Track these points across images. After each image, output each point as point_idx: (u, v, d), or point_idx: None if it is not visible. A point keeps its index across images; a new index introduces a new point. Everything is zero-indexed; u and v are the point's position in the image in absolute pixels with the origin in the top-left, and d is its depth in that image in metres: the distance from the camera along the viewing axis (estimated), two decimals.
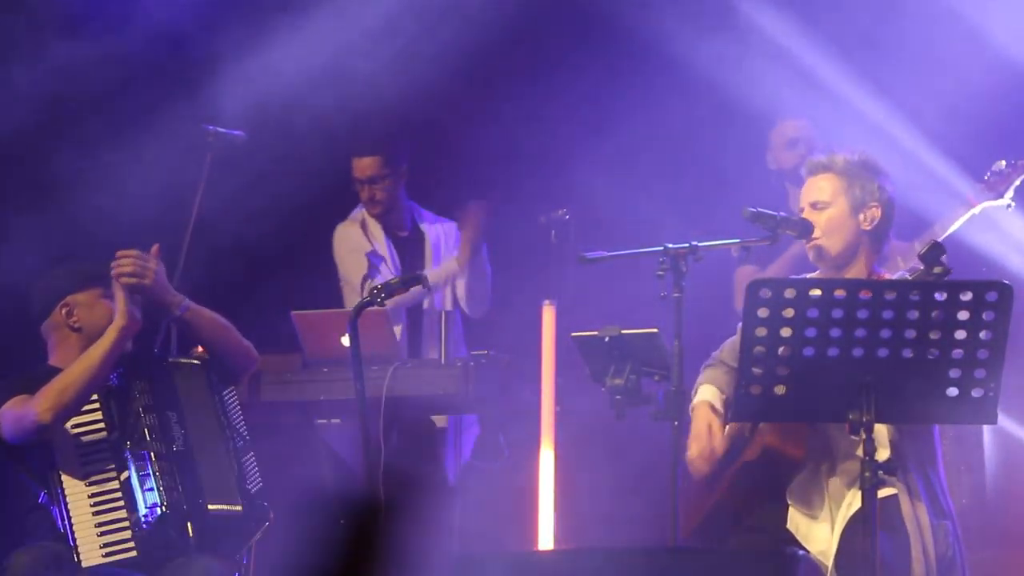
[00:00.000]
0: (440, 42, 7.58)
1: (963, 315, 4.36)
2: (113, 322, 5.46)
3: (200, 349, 5.89)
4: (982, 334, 4.37)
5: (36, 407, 5.35)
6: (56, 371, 5.50)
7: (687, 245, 4.92)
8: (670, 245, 4.92)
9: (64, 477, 5.45)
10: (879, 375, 4.41)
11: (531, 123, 7.96)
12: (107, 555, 5.41)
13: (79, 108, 7.34)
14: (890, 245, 5.19)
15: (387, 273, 7.30)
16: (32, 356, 5.69)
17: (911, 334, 4.38)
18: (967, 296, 4.36)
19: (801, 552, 4.86)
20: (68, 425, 5.47)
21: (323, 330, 6.82)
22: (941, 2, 7.29)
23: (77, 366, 5.42)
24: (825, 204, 5.07)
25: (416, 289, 6.06)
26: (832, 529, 4.93)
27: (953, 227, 6.57)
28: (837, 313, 4.37)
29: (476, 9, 7.54)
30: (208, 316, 5.63)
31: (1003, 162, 6.58)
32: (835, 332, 4.39)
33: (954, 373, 4.41)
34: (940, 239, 6.32)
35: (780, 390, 4.47)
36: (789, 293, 4.38)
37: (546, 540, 6.06)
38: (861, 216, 5.05)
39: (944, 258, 4.59)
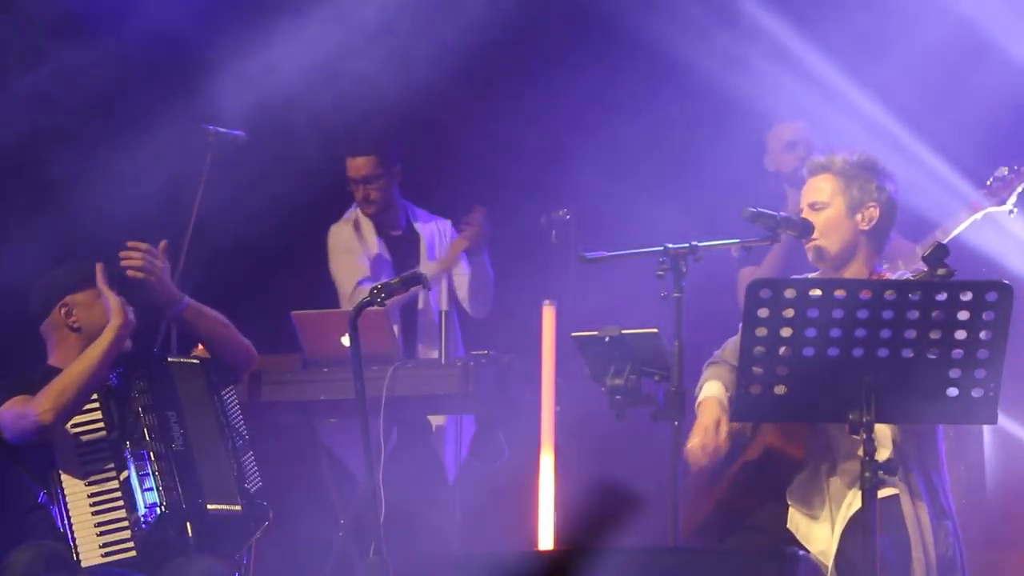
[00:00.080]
0: (440, 42, 7.59)
1: (963, 315, 4.36)
2: (110, 322, 5.46)
3: (200, 348, 5.89)
4: (982, 334, 4.37)
5: (37, 407, 5.36)
6: (55, 371, 5.50)
7: (687, 245, 4.92)
8: (670, 245, 4.92)
9: (64, 477, 5.45)
10: (879, 375, 4.41)
11: (531, 123, 7.96)
12: (106, 555, 5.40)
13: (78, 109, 7.34)
14: (891, 245, 5.19)
15: (384, 274, 7.31)
16: (32, 356, 5.69)
17: (911, 334, 4.38)
18: (967, 296, 4.36)
19: (801, 552, 4.86)
20: (68, 425, 5.47)
21: (323, 330, 6.82)
22: (941, 3, 7.29)
23: (76, 366, 5.42)
24: (823, 205, 5.07)
25: (415, 288, 6.05)
26: (832, 529, 4.93)
27: (955, 232, 6.57)
28: (837, 313, 4.37)
29: (476, 9, 7.54)
30: (208, 314, 5.64)
31: (1005, 168, 6.59)
32: (835, 332, 4.39)
33: (954, 373, 4.41)
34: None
35: (780, 390, 4.47)
36: (789, 293, 4.38)
37: (546, 540, 6.05)
38: (859, 216, 5.05)
39: (948, 260, 4.59)
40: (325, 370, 6.78)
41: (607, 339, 4.96)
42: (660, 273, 4.90)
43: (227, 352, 5.67)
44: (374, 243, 7.42)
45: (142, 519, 5.41)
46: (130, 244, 5.52)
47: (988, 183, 6.64)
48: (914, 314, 4.36)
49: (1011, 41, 7.30)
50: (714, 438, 5.00)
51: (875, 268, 5.07)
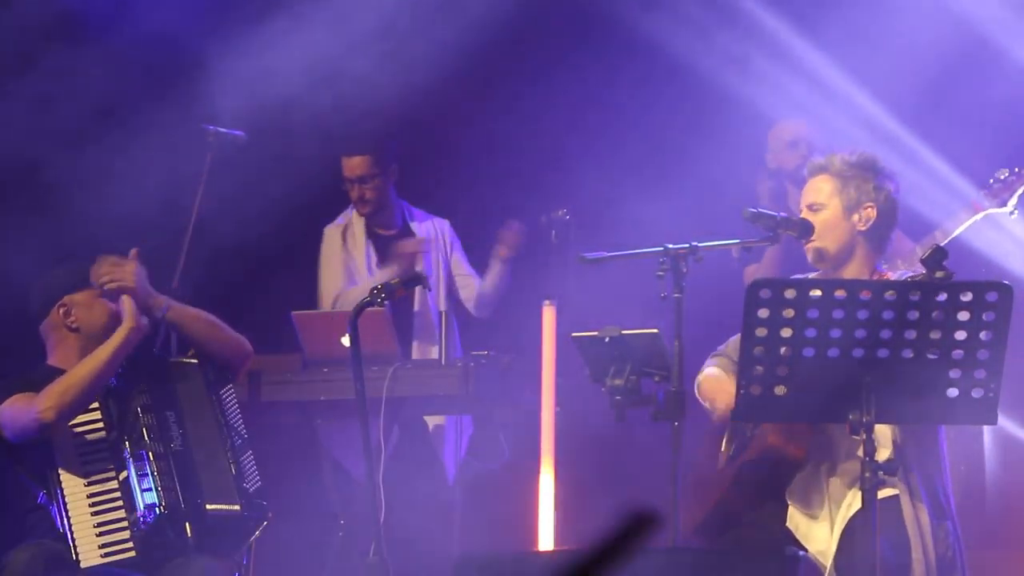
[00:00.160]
0: (440, 42, 7.58)
1: (963, 316, 4.36)
2: (121, 324, 5.47)
3: None
4: (982, 335, 4.37)
5: (39, 405, 5.36)
6: (55, 371, 5.50)
7: (687, 245, 4.92)
8: (670, 245, 4.91)
9: (63, 477, 5.45)
10: (879, 375, 4.41)
11: (531, 123, 7.96)
12: (106, 555, 5.40)
13: (77, 110, 7.33)
14: (892, 244, 5.18)
15: (358, 281, 7.32)
16: (33, 356, 5.69)
17: (911, 334, 4.38)
18: (967, 297, 4.36)
19: (801, 552, 4.86)
20: (68, 424, 5.46)
21: (323, 330, 6.82)
22: (942, 2, 7.29)
23: (82, 366, 5.42)
24: (821, 206, 5.08)
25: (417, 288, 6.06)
26: (832, 529, 4.93)
27: (955, 232, 6.57)
28: (837, 313, 4.37)
29: (476, 9, 7.54)
30: (192, 315, 5.63)
31: (1006, 171, 6.59)
32: (835, 332, 4.39)
33: (954, 373, 4.41)
34: (942, 244, 6.34)
35: (780, 390, 4.46)
36: (789, 293, 4.38)
37: (546, 540, 6.05)
38: (855, 217, 5.05)
39: (946, 262, 4.59)
40: (325, 370, 6.78)
41: (607, 339, 4.96)
42: (660, 273, 4.90)
43: (218, 352, 5.67)
44: (362, 249, 7.41)
45: (141, 519, 5.41)
46: (98, 259, 5.54)
47: (990, 182, 6.64)
48: (914, 314, 4.36)
49: (1012, 41, 7.30)
50: (730, 390, 4.93)
51: (876, 268, 5.07)
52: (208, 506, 5.46)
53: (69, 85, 7.31)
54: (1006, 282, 4.39)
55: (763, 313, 4.39)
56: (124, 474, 5.47)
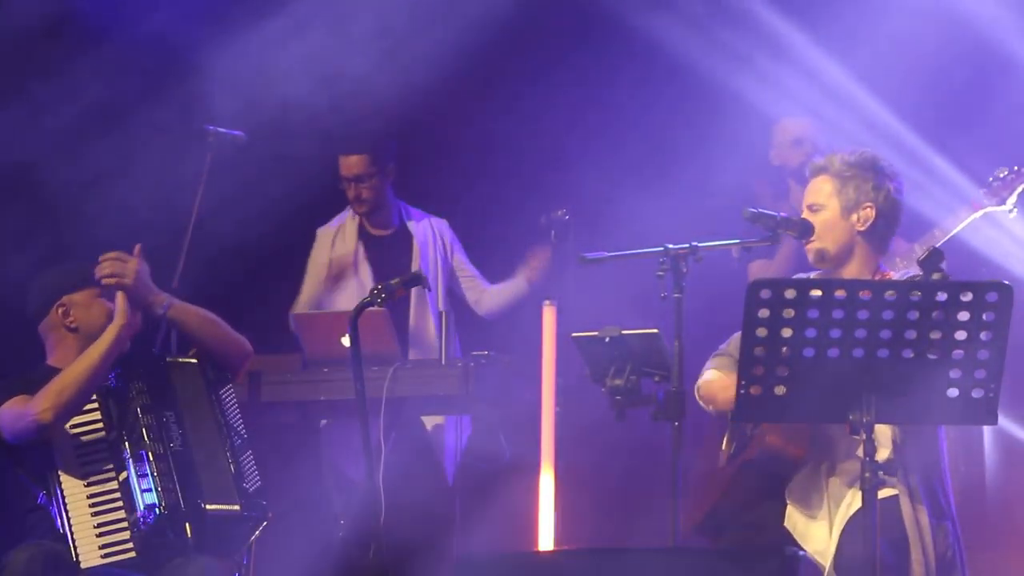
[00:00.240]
0: (440, 42, 7.58)
1: (963, 316, 4.36)
2: (112, 322, 5.47)
3: None
4: (982, 335, 4.37)
5: (36, 407, 5.36)
6: (54, 371, 5.50)
7: (687, 246, 4.92)
8: (670, 246, 4.92)
9: (63, 477, 5.45)
10: (879, 376, 4.41)
11: (531, 123, 7.96)
12: (106, 556, 5.40)
13: (75, 111, 7.34)
14: (894, 244, 5.19)
15: (345, 286, 7.32)
16: (34, 357, 5.69)
17: (911, 334, 4.38)
18: (967, 297, 4.35)
19: (801, 552, 4.86)
20: (67, 425, 5.46)
21: (323, 330, 6.82)
22: (943, 2, 7.29)
23: (76, 366, 5.42)
24: (820, 206, 5.08)
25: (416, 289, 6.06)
26: (831, 529, 4.93)
27: (954, 231, 6.57)
28: (837, 314, 4.37)
29: (475, 9, 7.54)
30: (193, 312, 5.63)
31: (1005, 169, 6.59)
32: (835, 333, 4.39)
33: (954, 374, 4.41)
34: (941, 242, 6.35)
35: (780, 390, 4.46)
36: (789, 294, 4.38)
37: (546, 540, 6.06)
38: (854, 217, 5.05)
39: (943, 264, 4.59)
40: (325, 370, 6.78)
41: (607, 339, 4.96)
42: (660, 273, 4.90)
43: (219, 350, 5.67)
44: (351, 250, 7.40)
45: (141, 520, 5.41)
46: (101, 256, 5.54)
47: (989, 180, 6.64)
48: (914, 314, 4.36)
49: (1012, 40, 7.30)
50: (731, 384, 4.94)
51: (878, 267, 5.07)
52: (208, 506, 5.46)
53: (68, 86, 7.31)
54: (1006, 282, 4.39)
55: (763, 313, 4.39)
56: (124, 474, 5.47)
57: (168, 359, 5.73)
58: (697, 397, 5.14)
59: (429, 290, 7.04)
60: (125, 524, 5.43)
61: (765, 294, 4.38)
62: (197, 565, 5.35)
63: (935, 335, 4.38)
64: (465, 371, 6.66)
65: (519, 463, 6.87)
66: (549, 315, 6.20)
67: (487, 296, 7.45)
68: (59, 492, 5.43)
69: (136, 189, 7.26)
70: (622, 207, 7.63)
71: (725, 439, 5.25)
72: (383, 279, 6.94)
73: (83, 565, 5.37)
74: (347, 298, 7.30)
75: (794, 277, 5.03)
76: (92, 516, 5.43)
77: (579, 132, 8.01)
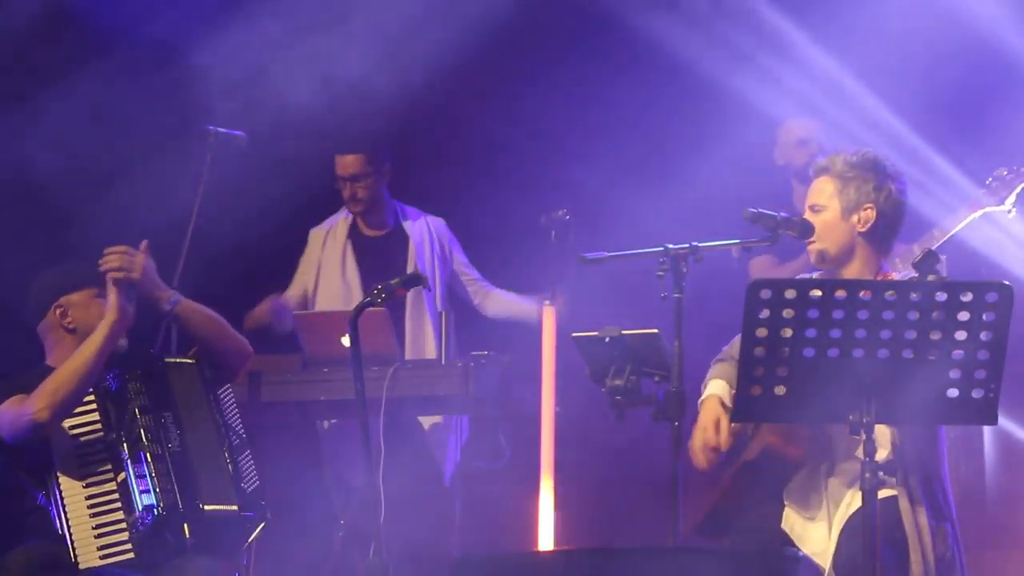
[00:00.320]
0: (440, 42, 7.58)
1: (963, 316, 4.36)
2: (104, 317, 5.46)
3: None
4: (982, 335, 4.37)
5: (32, 406, 5.35)
6: (52, 371, 5.49)
7: (687, 246, 4.92)
8: (670, 246, 4.91)
9: (61, 478, 5.44)
10: (879, 376, 4.41)
11: (531, 123, 7.96)
12: (104, 557, 5.39)
13: (76, 112, 7.34)
14: (896, 245, 5.18)
15: (329, 287, 7.32)
16: (35, 358, 5.69)
17: (911, 335, 4.38)
18: (967, 297, 4.36)
19: (800, 553, 4.86)
20: (66, 426, 5.46)
21: (323, 330, 6.81)
22: (943, 2, 7.29)
23: (70, 363, 5.42)
24: (821, 207, 5.07)
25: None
26: (830, 530, 4.93)
27: (953, 231, 6.58)
28: (838, 314, 4.37)
29: (475, 9, 7.54)
30: (199, 311, 5.63)
31: (1005, 169, 6.59)
32: (835, 333, 4.39)
33: (954, 374, 4.41)
34: (940, 242, 6.35)
35: (780, 390, 4.46)
36: (789, 294, 4.38)
37: (546, 540, 6.06)
38: (855, 218, 5.05)
39: (939, 266, 4.60)
40: (325, 370, 6.78)
41: (607, 339, 4.96)
42: (660, 273, 4.90)
43: (221, 349, 5.67)
44: (339, 251, 7.39)
45: (139, 521, 5.40)
46: (107, 249, 5.53)
47: (988, 182, 6.64)
48: (914, 315, 4.36)
49: (1012, 39, 7.30)
50: (714, 436, 5.00)
51: (879, 268, 5.07)
52: (206, 507, 5.45)
53: (67, 87, 7.31)
54: (1006, 282, 4.39)
55: (763, 313, 4.39)
56: (122, 475, 5.46)
57: (166, 360, 5.72)
58: (699, 407, 5.13)
59: (429, 290, 7.03)
60: (124, 525, 5.43)
61: (765, 294, 4.39)
62: (196, 566, 5.35)
63: (935, 335, 4.38)
64: (465, 371, 6.66)
65: (519, 463, 6.87)
66: (549, 315, 6.20)
67: (493, 301, 7.42)
68: (58, 493, 5.43)
69: (136, 189, 7.25)
70: (622, 207, 7.63)
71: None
72: (371, 281, 6.98)
73: (82, 566, 5.36)
74: (330, 299, 7.30)
75: (795, 277, 5.03)
76: (91, 517, 5.43)
77: (579, 132, 8.01)
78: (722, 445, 5.01)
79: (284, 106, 7.38)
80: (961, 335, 4.37)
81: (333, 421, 7.13)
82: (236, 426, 5.63)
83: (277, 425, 6.95)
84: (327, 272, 7.38)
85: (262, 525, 5.58)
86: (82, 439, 5.49)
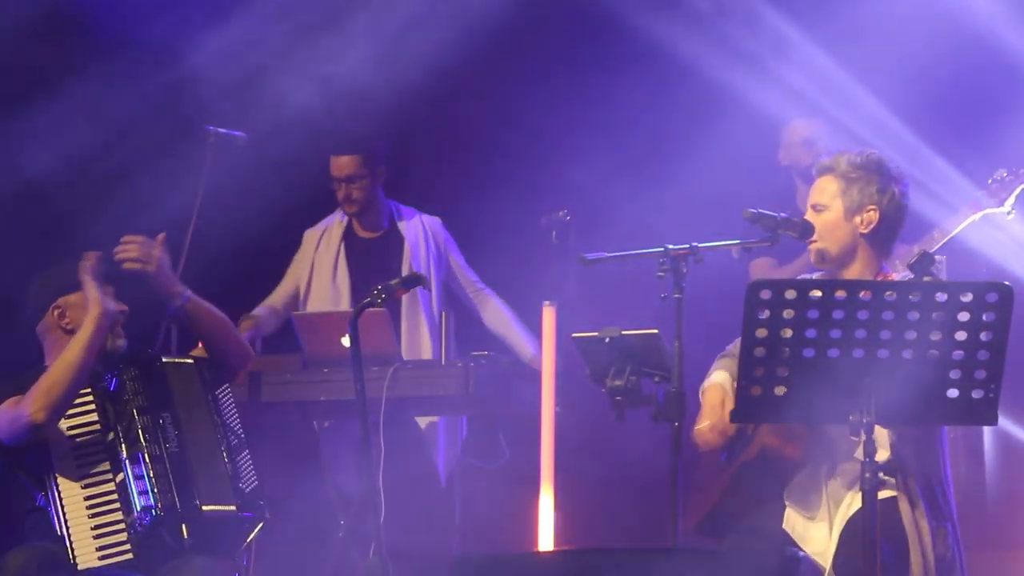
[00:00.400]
0: (439, 41, 7.58)
1: (963, 316, 4.36)
2: (88, 313, 5.45)
3: (199, 347, 5.89)
4: (982, 335, 4.37)
5: (28, 408, 5.35)
6: None
7: (688, 246, 4.92)
8: (671, 246, 4.91)
9: (60, 479, 5.44)
10: (879, 376, 4.41)
11: (531, 123, 7.96)
12: (103, 558, 5.40)
13: (72, 113, 7.34)
14: (896, 247, 5.18)
15: (320, 289, 7.32)
16: (35, 359, 5.69)
17: (911, 335, 4.38)
18: (967, 297, 4.36)
19: (801, 553, 4.86)
20: (64, 427, 5.46)
21: (323, 330, 6.81)
22: (944, 2, 7.29)
23: (60, 362, 5.41)
24: (824, 207, 5.07)
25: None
26: (830, 530, 4.93)
27: (953, 232, 6.58)
28: (838, 314, 4.38)
29: (476, 9, 7.54)
30: (210, 309, 5.65)
31: (1004, 171, 6.60)
32: (835, 333, 4.39)
33: (954, 374, 4.41)
34: (940, 244, 6.35)
35: (780, 391, 4.46)
36: (789, 294, 4.38)
37: (546, 540, 6.06)
38: (857, 219, 5.04)
39: (934, 268, 4.60)
40: (325, 370, 6.78)
41: (607, 340, 4.96)
42: (660, 274, 4.90)
43: (225, 349, 5.68)
44: (333, 253, 7.38)
45: (137, 522, 5.40)
46: (124, 237, 5.53)
47: (988, 182, 6.65)
48: (914, 315, 4.37)
49: (1012, 39, 7.30)
50: (722, 418, 4.99)
51: (880, 269, 5.06)
52: (204, 507, 5.46)
53: (66, 87, 7.31)
54: (1006, 283, 4.39)
55: (763, 314, 4.39)
56: (120, 476, 5.46)
57: (165, 360, 5.72)
58: (700, 397, 5.14)
59: (429, 290, 7.03)
60: (122, 526, 5.43)
61: (765, 294, 4.39)
62: (194, 566, 5.35)
63: (935, 335, 4.38)
64: (465, 371, 6.66)
65: (519, 463, 6.87)
66: (549, 315, 6.20)
67: (491, 312, 7.37)
68: (56, 494, 5.43)
69: (135, 190, 7.25)
70: (622, 207, 7.63)
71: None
72: (362, 284, 6.97)
73: (80, 566, 5.36)
74: (320, 302, 7.29)
75: (795, 278, 5.03)
76: (89, 518, 5.43)
77: (579, 132, 8.01)
78: (729, 427, 5.00)
79: (282, 107, 7.38)
80: (961, 335, 4.37)
81: (327, 423, 7.12)
82: (234, 426, 5.64)
83: (277, 425, 6.95)
84: (319, 274, 7.37)
85: (260, 525, 5.58)
86: (80, 439, 5.50)
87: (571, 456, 6.42)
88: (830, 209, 5.05)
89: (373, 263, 7.30)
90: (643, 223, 7.19)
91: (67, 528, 5.39)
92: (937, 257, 6.37)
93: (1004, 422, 6.81)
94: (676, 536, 4.85)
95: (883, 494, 4.71)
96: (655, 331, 5.00)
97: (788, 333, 4.40)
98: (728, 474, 5.14)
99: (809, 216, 5.07)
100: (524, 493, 6.40)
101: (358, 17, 7.55)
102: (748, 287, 4.41)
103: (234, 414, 5.66)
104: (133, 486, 5.44)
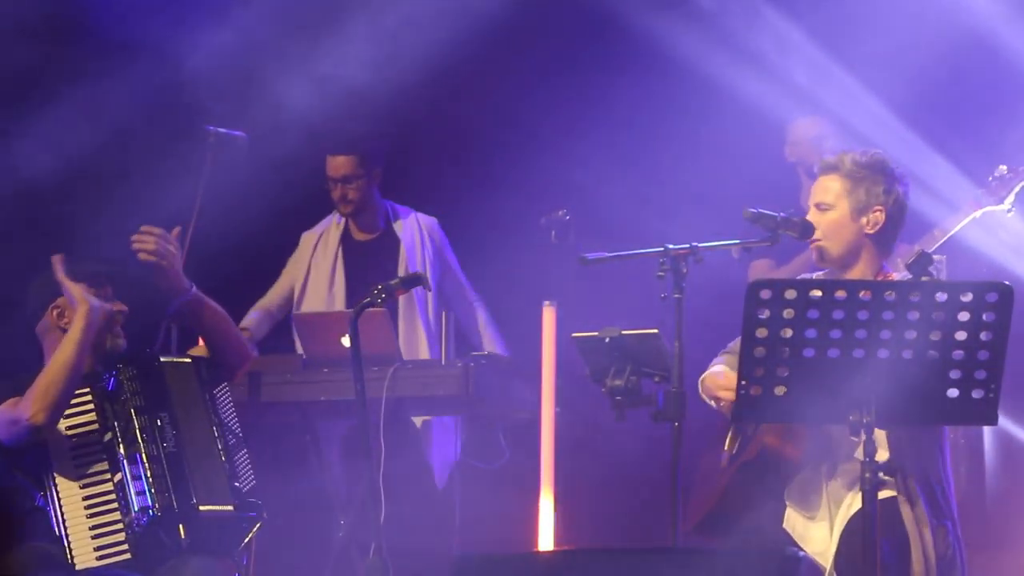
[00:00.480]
0: (439, 41, 7.58)
1: (963, 316, 4.36)
2: (75, 311, 5.45)
3: (200, 344, 5.90)
4: (982, 335, 4.37)
5: (27, 410, 5.35)
6: None
7: (687, 246, 4.92)
8: (671, 246, 4.91)
9: (58, 479, 5.44)
10: (879, 376, 4.41)
11: (531, 123, 7.95)
12: (101, 558, 5.40)
13: (74, 112, 7.34)
14: (897, 246, 5.18)
15: (316, 292, 7.31)
16: (35, 359, 5.69)
17: (911, 335, 4.38)
18: (967, 297, 4.36)
19: (801, 553, 4.86)
20: (63, 427, 5.47)
21: (323, 331, 6.81)
22: (944, 2, 7.29)
23: (54, 362, 5.42)
24: (829, 206, 5.05)
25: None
26: (831, 530, 4.94)
27: (954, 230, 6.58)
28: (838, 314, 4.37)
29: (476, 8, 7.54)
30: (212, 306, 5.66)
31: (1004, 167, 6.59)
32: (835, 333, 4.39)
33: (954, 374, 4.41)
34: (940, 242, 6.35)
35: (780, 391, 4.46)
36: (790, 294, 4.38)
37: (546, 540, 6.06)
38: (864, 220, 5.03)
39: (932, 268, 4.60)
40: (325, 370, 6.78)
41: (607, 340, 4.96)
42: (660, 274, 4.90)
43: (225, 347, 5.68)
44: (331, 257, 7.38)
45: (135, 522, 5.41)
46: (143, 228, 5.53)
47: (989, 180, 6.65)
48: (914, 315, 4.36)
49: (1012, 38, 7.30)
50: (730, 387, 4.94)
51: (881, 268, 5.06)
52: (201, 507, 5.45)
53: (65, 88, 7.31)
54: (1006, 282, 4.39)
55: (763, 313, 4.39)
56: (119, 476, 5.46)
57: (163, 359, 5.71)
58: (700, 390, 5.14)
59: (429, 290, 7.03)
60: (120, 526, 5.43)
61: (765, 294, 4.39)
62: (191, 566, 5.35)
63: (935, 335, 4.38)
64: (465, 371, 6.66)
65: (519, 463, 6.87)
66: (549, 315, 6.20)
67: (472, 321, 7.38)
68: (55, 494, 5.43)
69: (135, 190, 7.25)
70: (622, 207, 7.63)
71: (729, 438, 5.24)
72: (360, 287, 6.97)
73: (78, 567, 5.37)
74: (315, 306, 7.29)
75: (795, 278, 5.03)
76: (87, 518, 5.43)
77: (580, 132, 8.01)
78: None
79: (280, 107, 7.38)
80: (961, 335, 4.37)
81: (332, 423, 7.12)
82: (232, 425, 5.63)
83: (277, 425, 6.95)
84: (316, 278, 7.37)
85: (258, 525, 5.58)
86: (79, 440, 5.50)
87: (571, 456, 6.42)
88: (835, 208, 5.04)
89: (370, 265, 7.30)
90: (643, 223, 7.19)
91: (65, 528, 5.39)
92: (937, 257, 6.37)
93: (1004, 422, 6.81)
94: (676, 536, 4.85)
95: (883, 494, 4.71)
96: (655, 331, 5.00)
97: (788, 333, 4.40)
98: (728, 474, 5.14)
99: (812, 215, 5.05)
100: (524, 493, 6.40)
101: (357, 17, 7.55)
102: (748, 287, 4.41)
103: (232, 413, 5.66)
104: (131, 486, 5.44)
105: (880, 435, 4.73)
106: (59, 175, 7.26)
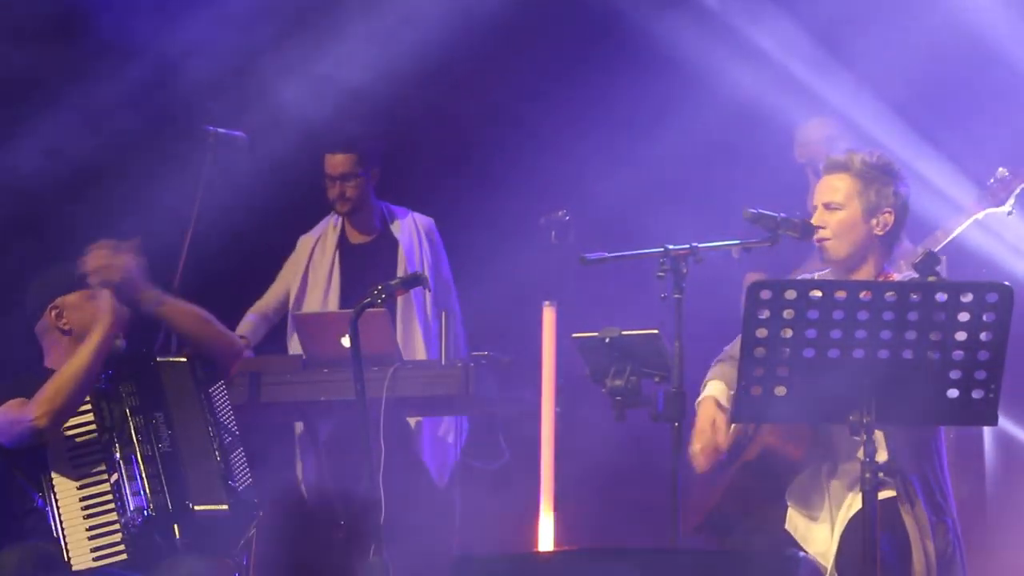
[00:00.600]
0: (439, 42, 7.58)
1: (963, 316, 4.36)
2: (99, 321, 5.44)
3: None
4: (982, 335, 4.37)
5: (31, 413, 5.35)
6: (51, 373, 5.48)
7: (688, 246, 4.91)
8: (671, 246, 4.91)
9: (56, 480, 5.44)
10: (879, 376, 4.41)
11: (531, 123, 7.95)
12: (97, 558, 5.40)
13: (74, 113, 7.33)
14: (900, 247, 5.17)
15: (313, 296, 7.31)
16: (35, 358, 5.69)
17: (912, 335, 4.38)
18: (967, 297, 4.36)
19: (802, 553, 4.86)
20: (62, 428, 5.46)
21: (323, 331, 6.81)
22: (944, 3, 7.29)
23: (68, 368, 5.41)
24: (839, 206, 5.02)
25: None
26: (832, 530, 4.93)
27: (955, 232, 6.58)
28: (838, 314, 4.37)
29: (476, 9, 7.54)
30: (183, 310, 5.60)
31: (1005, 170, 6.60)
32: (835, 333, 4.39)
33: (954, 374, 4.41)
34: (943, 244, 6.35)
35: (780, 391, 4.46)
36: (790, 294, 4.38)
37: (546, 540, 6.06)
38: (874, 221, 5.01)
39: (939, 268, 4.59)
40: (325, 370, 6.78)
41: (607, 340, 4.95)
42: (660, 274, 4.90)
43: (210, 347, 5.66)
44: (328, 260, 7.37)
45: (130, 522, 5.40)
46: (91, 246, 5.50)
47: (990, 182, 6.65)
48: (914, 315, 4.36)
49: (1012, 39, 7.30)
50: (711, 438, 5.00)
51: (884, 269, 5.05)
52: (196, 507, 5.45)
53: (65, 89, 7.31)
54: (1006, 283, 4.39)
55: (763, 314, 4.39)
56: (115, 476, 5.46)
57: (159, 359, 5.71)
58: (696, 408, 5.13)
59: (429, 290, 7.02)
60: (117, 526, 5.43)
61: (765, 295, 4.39)
62: (187, 566, 5.35)
63: (935, 336, 4.38)
64: (465, 371, 6.66)
65: (519, 463, 6.87)
66: (549, 315, 6.20)
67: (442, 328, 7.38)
68: (52, 494, 5.42)
69: (135, 190, 7.25)
70: (622, 207, 7.62)
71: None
72: (355, 291, 6.96)
73: (75, 567, 5.37)
74: (312, 309, 7.28)
75: (795, 278, 5.03)
76: (84, 519, 5.43)
77: (579, 132, 8.01)
78: (721, 445, 5.01)
79: (279, 107, 7.38)
80: (961, 335, 4.37)
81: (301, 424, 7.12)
82: (228, 424, 5.63)
83: (277, 425, 6.94)
84: (314, 281, 7.36)
85: (255, 523, 5.57)
86: (76, 440, 5.50)
87: (571, 456, 6.41)
88: (846, 208, 5.00)
89: (368, 268, 7.29)
90: (643, 223, 7.18)
91: (62, 528, 5.39)
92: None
93: (1004, 422, 6.81)
94: (676, 536, 4.85)
95: (883, 494, 4.71)
96: (655, 331, 5.00)
97: (788, 333, 4.40)
98: (729, 474, 5.14)
99: (820, 214, 5.03)
100: (524, 493, 6.40)
101: (356, 17, 7.55)
102: (748, 287, 4.41)
103: (229, 412, 5.65)
104: (127, 487, 5.44)
105: (879, 436, 4.73)
106: (59, 175, 7.26)
